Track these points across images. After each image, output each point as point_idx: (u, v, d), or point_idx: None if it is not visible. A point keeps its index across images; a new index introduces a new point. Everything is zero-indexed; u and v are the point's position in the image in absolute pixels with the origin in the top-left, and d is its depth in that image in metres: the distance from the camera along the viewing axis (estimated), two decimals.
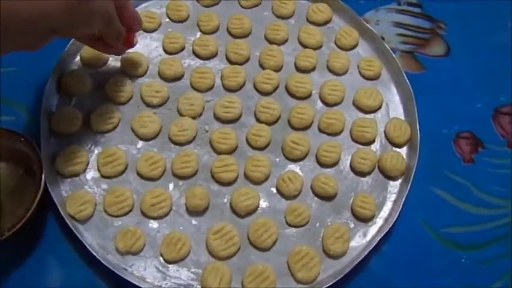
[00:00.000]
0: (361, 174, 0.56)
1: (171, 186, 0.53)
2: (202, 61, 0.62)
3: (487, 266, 0.53)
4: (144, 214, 0.51)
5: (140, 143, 0.56)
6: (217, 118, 0.58)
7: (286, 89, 0.61)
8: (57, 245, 0.50)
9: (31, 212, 0.47)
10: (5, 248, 0.48)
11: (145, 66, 0.60)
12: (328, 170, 0.56)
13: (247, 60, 0.62)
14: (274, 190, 0.54)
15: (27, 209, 0.47)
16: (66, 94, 0.57)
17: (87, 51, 0.59)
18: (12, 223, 0.46)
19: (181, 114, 0.57)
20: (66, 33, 0.46)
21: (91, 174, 0.53)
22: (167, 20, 0.65)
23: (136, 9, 0.62)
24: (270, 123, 0.58)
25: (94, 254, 0.47)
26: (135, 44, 0.56)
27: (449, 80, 0.65)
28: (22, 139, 0.49)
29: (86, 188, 0.52)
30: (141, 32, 0.63)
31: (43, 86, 0.55)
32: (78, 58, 0.60)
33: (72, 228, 0.48)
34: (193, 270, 0.49)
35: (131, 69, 0.59)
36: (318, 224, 0.53)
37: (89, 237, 0.50)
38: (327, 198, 0.54)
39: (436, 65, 0.66)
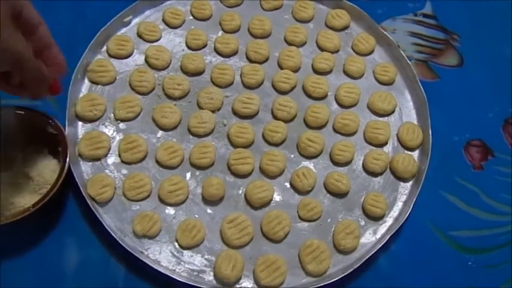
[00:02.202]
0: (373, 174, 0.57)
1: (188, 175, 0.55)
2: (223, 58, 0.64)
3: (493, 270, 0.54)
4: (161, 200, 0.53)
5: (160, 133, 0.57)
6: (236, 113, 0.60)
7: (303, 89, 0.63)
8: (76, 225, 0.52)
9: (54, 191, 0.48)
10: (27, 225, 0.49)
11: (169, 59, 0.62)
12: (341, 168, 0.58)
13: (267, 59, 0.64)
14: (288, 185, 0.56)
15: (51, 187, 0.48)
16: (91, 82, 0.59)
17: (114, 42, 0.62)
18: (35, 200, 0.48)
19: (200, 108, 0.59)
20: None
21: (112, 159, 0.55)
22: (191, 17, 0.67)
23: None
24: (286, 121, 0.60)
25: (113, 235, 0.49)
26: (58, 93, 0.48)
27: (462, 90, 0.67)
28: (50, 121, 0.51)
29: (106, 172, 0.54)
30: (165, 27, 0.65)
31: (70, 74, 0.57)
32: (104, 48, 0.62)
33: (93, 209, 0.50)
34: (206, 256, 0.51)
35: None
36: (329, 220, 0.54)
37: (108, 219, 0.51)
38: (339, 195, 0.56)
39: (450, 75, 0.68)
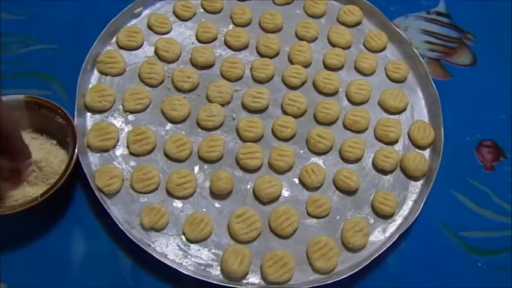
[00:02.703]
0: (383, 172, 0.57)
1: (196, 168, 0.55)
2: (233, 52, 0.63)
3: (503, 272, 0.53)
4: (169, 193, 0.52)
5: (169, 125, 0.57)
6: (245, 107, 0.59)
7: (314, 84, 0.62)
8: (84, 216, 0.52)
9: (62, 182, 0.48)
10: (35, 215, 0.49)
11: (179, 52, 0.62)
12: (351, 165, 0.57)
13: (277, 54, 0.64)
14: (296, 180, 0.55)
15: (59, 178, 0.48)
16: (101, 73, 0.59)
17: (123, 33, 0.61)
18: (44, 190, 0.47)
19: (210, 101, 0.59)
20: None
21: (120, 151, 0.54)
22: (202, 10, 0.66)
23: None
24: (296, 116, 0.59)
25: (120, 226, 0.49)
26: (20, 184, 0.47)
27: (475, 89, 0.66)
28: (60, 111, 0.51)
29: (114, 163, 0.53)
30: (176, 19, 0.65)
31: (80, 64, 0.57)
32: (114, 40, 0.62)
33: (101, 201, 0.50)
34: (213, 251, 0.50)
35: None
36: (338, 217, 0.53)
37: (115, 211, 0.51)
38: (349, 192, 0.55)
39: (462, 74, 0.67)
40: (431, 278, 0.52)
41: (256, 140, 0.57)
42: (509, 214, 0.57)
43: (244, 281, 0.49)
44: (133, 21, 0.64)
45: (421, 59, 0.64)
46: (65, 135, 0.51)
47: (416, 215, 0.53)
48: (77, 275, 0.49)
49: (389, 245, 0.51)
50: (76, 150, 0.50)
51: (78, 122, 0.54)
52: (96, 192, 0.50)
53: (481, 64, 0.68)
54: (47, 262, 0.49)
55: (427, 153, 0.59)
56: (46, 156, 0.51)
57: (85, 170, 0.51)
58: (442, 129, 0.58)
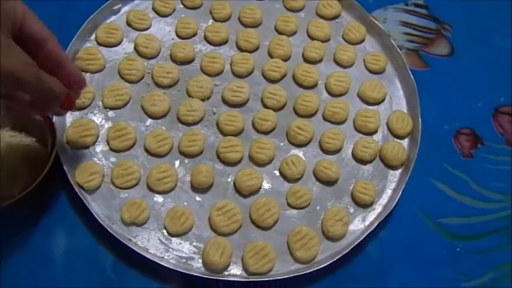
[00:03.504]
0: (363, 162, 0.57)
1: (177, 163, 0.55)
2: (213, 47, 0.64)
3: (482, 257, 0.54)
4: (149, 188, 0.53)
5: (149, 121, 0.57)
6: (225, 101, 0.59)
7: (293, 78, 0.62)
8: (64, 213, 0.52)
9: (40, 179, 0.48)
10: (15, 213, 0.49)
11: (158, 48, 0.62)
12: (331, 156, 0.57)
13: (257, 48, 0.64)
14: (277, 173, 0.56)
15: (38, 175, 0.48)
16: (80, 70, 0.59)
17: (103, 30, 0.61)
18: (22, 188, 0.47)
19: (190, 96, 0.59)
20: None
21: (100, 147, 0.55)
22: (181, 6, 0.66)
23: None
24: (276, 109, 0.59)
25: (100, 222, 0.49)
26: (74, 108, 0.46)
27: (452, 79, 0.67)
28: None
29: (94, 159, 0.54)
30: (155, 16, 0.65)
31: None
32: (93, 36, 0.62)
33: (81, 197, 0.50)
34: (195, 244, 0.50)
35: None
36: (318, 207, 0.54)
37: (96, 207, 0.51)
38: (329, 183, 0.56)
39: (440, 64, 0.68)
40: (411, 263, 0.53)
41: (237, 134, 0.57)
42: (487, 200, 0.58)
43: (226, 273, 0.49)
44: (113, 18, 0.64)
45: (398, 50, 0.65)
46: (44, 133, 0.51)
47: (395, 203, 0.53)
48: (58, 272, 0.49)
49: (368, 233, 0.51)
50: (55, 147, 0.50)
51: (57, 119, 0.54)
52: (76, 189, 0.50)
53: (458, 54, 0.69)
54: (28, 259, 0.49)
55: (405, 142, 0.59)
56: (26, 154, 0.51)
57: (65, 167, 0.51)
58: (420, 119, 0.59)
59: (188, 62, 0.62)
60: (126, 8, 0.65)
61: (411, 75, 0.62)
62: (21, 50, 0.36)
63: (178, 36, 0.64)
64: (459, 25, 0.72)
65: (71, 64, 0.43)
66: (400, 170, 0.57)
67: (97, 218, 0.49)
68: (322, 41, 0.66)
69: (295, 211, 0.54)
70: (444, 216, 0.56)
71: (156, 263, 0.48)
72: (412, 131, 0.59)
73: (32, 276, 0.48)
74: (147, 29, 0.64)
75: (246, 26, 0.66)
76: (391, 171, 0.57)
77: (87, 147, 0.54)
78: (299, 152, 0.57)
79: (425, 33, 0.71)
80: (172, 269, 0.48)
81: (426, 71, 0.67)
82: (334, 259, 0.49)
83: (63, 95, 0.40)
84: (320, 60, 0.64)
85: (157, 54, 0.62)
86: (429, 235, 0.55)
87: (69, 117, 0.56)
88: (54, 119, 0.53)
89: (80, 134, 0.54)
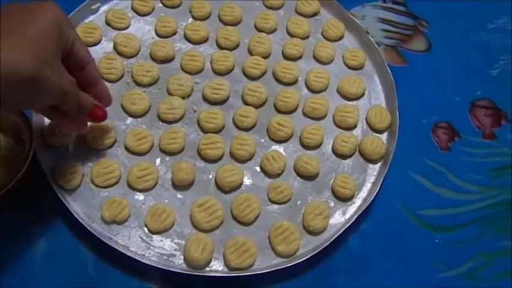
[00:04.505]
0: (342, 156, 0.58)
1: (157, 161, 0.55)
2: (193, 45, 0.64)
3: (459, 247, 0.55)
4: (130, 186, 0.53)
5: (129, 120, 0.57)
6: (206, 99, 0.60)
7: (273, 74, 0.63)
8: (44, 213, 0.51)
9: (18, 178, 0.47)
10: None
11: (138, 47, 0.62)
12: (311, 151, 0.58)
13: (237, 46, 0.65)
14: (258, 169, 0.56)
15: (15, 175, 0.47)
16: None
17: (81, 30, 0.61)
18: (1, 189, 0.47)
19: (170, 94, 0.59)
20: (9, 107, 0.46)
21: (80, 146, 0.54)
22: (160, 5, 0.67)
23: None
24: (256, 106, 0.60)
25: (80, 221, 0.48)
26: (105, 118, 0.49)
27: (430, 74, 0.68)
28: None
29: (74, 159, 0.53)
30: (134, 15, 0.65)
31: None
32: None
33: (60, 197, 0.49)
34: (176, 241, 0.51)
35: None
36: (299, 202, 0.55)
37: (76, 206, 0.51)
38: (309, 177, 0.56)
39: (418, 60, 0.69)
40: (391, 255, 0.54)
41: (218, 131, 0.58)
42: (463, 191, 0.59)
43: (208, 269, 0.49)
44: (91, 18, 0.64)
45: (376, 46, 0.66)
46: (21, 133, 0.51)
47: (374, 196, 0.54)
48: (39, 272, 0.49)
49: (348, 226, 0.52)
50: (32, 147, 0.49)
51: (36, 119, 0.53)
52: (55, 189, 0.50)
53: (435, 50, 0.71)
54: (7, 259, 0.49)
55: (384, 136, 0.60)
56: (4, 156, 0.50)
57: (43, 167, 0.51)
58: (398, 113, 0.60)
59: (168, 60, 0.62)
60: (104, 7, 0.65)
61: (389, 71, 0.63)
62: (66, 71, 0.42)
63: (158, 35, 0.64)
64: (436, 21, 0.74)
65: (103, 84, 0.50)
66: (379, 164, 0.58)
67: (77, 217, 0.49)
68: (302, 38, 0.66)
69: (276, 206, 0.54)
70: (423, 208, 0.57)
71: (138, 260, 0.48)
72: (390, 125, 0.60)
73: (12, 276, 0.48)
74: (126, 28, 0.64)
75: (225, 24, 0.66)
76: (371, 165, 0.58)
77: (66, 146, 0.54)
78: (279, 148, 0.58)
79: (403, 30, 0.72)
80: (154, 266, 0.48)
81: (404, 67, 0.69)
82: (315, 252, 0.50)
83: (90, 107, 0.47)
84: (300, 57, 0.65)
85: (137, 53, 0.62)
86: (408, 227, 0.56)
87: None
88: (33, 118, 0.52)
89: (59, 134, 0.53)
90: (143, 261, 0.48)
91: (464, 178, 0.60)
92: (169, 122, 0.57)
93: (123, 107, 0.57)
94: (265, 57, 0.64)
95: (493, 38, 0.73)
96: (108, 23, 0.63)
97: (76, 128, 0.49)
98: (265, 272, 0.49)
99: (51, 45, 0.39)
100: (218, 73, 0.62)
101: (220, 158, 0.56)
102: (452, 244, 0.55)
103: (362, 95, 0.63)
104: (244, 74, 0.62)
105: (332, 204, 0.55)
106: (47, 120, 0.55)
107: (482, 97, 0.67)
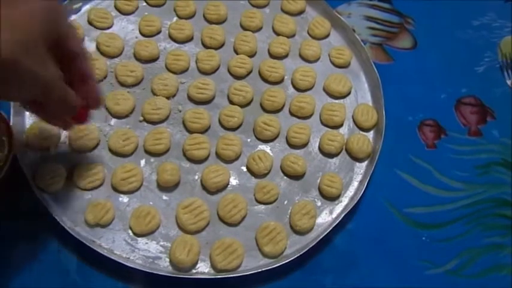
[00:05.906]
0: (329, 155, 0.58)
1: (142, 162, 0.54)
2: (177, 44, 0.63)
3: (445, 244, 0.55)
4: (114, 188, 0.52)
5: (113, 121, 0.56)
6: (191, 99, 0.59)
7: (259, 73, 0.62)
8: (26, 217, 0.50)
9: None
10: None
11: (121, 47, 0.61)
12: (298, 151, 0.58)
13: (222, 45, 0.64)
14: (244, 169, 0.56)
15: None
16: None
17: None
18: None
19: (155, 94, 0.58)
20: None
21: (63, 148, 0.53)
22: (144, 4, 0.66)
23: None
24: (242, 105, 0.59)
25: (63, 225, 0.48)
26: (87, 122, 0.47)
27: (416, 71, 0.68)
28: None
29: (56, 161, 0.52)
30: (117, 14, 0.64)
31: None
32: None
33: (42, 201, 0.48)
34: (162, 243, 0.50)
35: None
36: (286, 202, 0.54)
37: (58, 209, 0.50)
38: (296, 177, 0.56)
39: (404, 57, 0.69)
40: (379, 253, 0.54)
41: (203, 131, 0.57)
42: (450, 189, 0.59)
43: (194, 271, 0.49)
44: (73, 17, 0.62)
45: (362, 44, 0.66)
46: (0, 135, 0.50)
47: (361, 194, 0.54)
48: (21, 276, 0.47)
49: (335, 225, 0.52)
50: (12, 150, 0.48)
51: (16, 121, 0.52)
52: (37, 192, 0.49)
53: (421, 47, 0.71)
54: None
55: (371, 135, 0.60)
56: None
57: (25, 170, 0.50)
58: (384, 111, 0.60)
59: (152, 60, 0.61)
60: (87, 7, 0.64)
61: (375, 69, 0.63)
62: (54, 63, 0.38)
63: (142, 34, 0.63)
64: (421, 19, 0.74)
65: (94, 82, 0.45)
66: (366, 162, 0.58)
67: (59, 221, 0.48)
68: (288, 37, 0.66)
69: (263, 206, 0.54)
70: (409, 206, 0.57)
71: (122, 264, 0.47)
72: (377, 124, 0.60)
73: None
74: (109, 27, 0.63)
75: (210, 22, 0.66)
76: (358, 164, 0.58)
77: (48, 148, 0.53)
78: (266, 148, 0.57)
79: (389, 28, 0.72)
80: (139, 270, 0.47)
81: (390, 64, 0.69)
82: (302, 252, 0.50)
83: (77, 108, 0.43)
84: (286, 56, 0.64)
85: (120, 53, 0.61)
86: (395, 225, 0.56)
87: (29, 119, 0.54)
88: (12, 121, 0.51)
89: (40, 135, 0.52)
90: (128, 264, 0.47)
91: (450, 175, 0.60)
92: (154, 123, 0.57)
93: (106, 108, 0.56)
94: (251, 56, 0.63)
95: (478, 35, 0.73)
96: (90, 23, 0.62)
97: (62, 125, 0.47)
98: (253, 273, 0.48)
99: (37, 31, 0.36)
100: (203, 72, 0.61)
101: (206, 159, 0.55)
102: (439, 241, 0.55)
103: (348, 93, 0.63)
104: (230, 73, 0.62)
105: (319, 203, 0.55)
106: (27, 121, 0.54)
107: (468, 94, 0.67)
